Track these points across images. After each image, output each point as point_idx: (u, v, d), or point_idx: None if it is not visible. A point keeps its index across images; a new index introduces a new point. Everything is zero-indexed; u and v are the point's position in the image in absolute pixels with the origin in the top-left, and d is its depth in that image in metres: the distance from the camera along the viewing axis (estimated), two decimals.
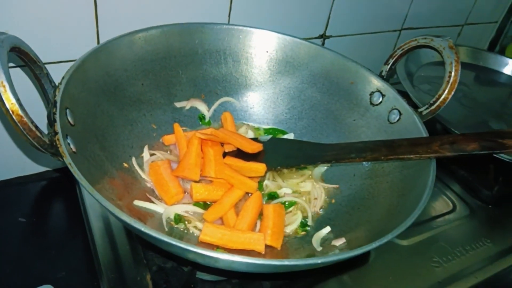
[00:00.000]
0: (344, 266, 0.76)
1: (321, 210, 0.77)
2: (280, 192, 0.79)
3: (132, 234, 0.73)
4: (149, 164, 0.76)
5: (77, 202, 0.84)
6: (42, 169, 0.94)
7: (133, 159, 0.75)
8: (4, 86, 0.50)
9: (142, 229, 0.48)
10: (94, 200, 0.75)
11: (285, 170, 0.83)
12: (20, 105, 0.52)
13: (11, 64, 0.74)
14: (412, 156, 0.67)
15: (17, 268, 0.75)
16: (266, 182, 0.79)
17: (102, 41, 0.81)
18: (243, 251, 0.64)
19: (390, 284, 0.74)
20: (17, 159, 0.89)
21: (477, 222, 0.90)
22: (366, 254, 0.78)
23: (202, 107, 0.88)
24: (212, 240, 0.65)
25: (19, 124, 0.52)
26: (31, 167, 0.92)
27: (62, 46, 0.79)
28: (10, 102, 0.51)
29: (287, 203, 0.77)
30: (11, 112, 0.51)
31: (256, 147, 0.79)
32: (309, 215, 0.75)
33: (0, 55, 0.51)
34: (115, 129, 0.74)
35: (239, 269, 0.52)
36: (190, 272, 0.68)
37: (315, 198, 0.78)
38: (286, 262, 0.50)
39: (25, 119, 0.52)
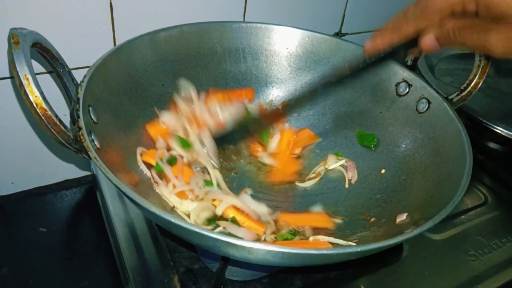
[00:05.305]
0: (376, 263, 0.73)
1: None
2: None
3: (157, 237, 0.71)
4: None
5: (98, 211, 0.83)
6: (60, 178, 0.94)
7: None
8: (27, 79, 0.49)
9: (172, 220, 0.47)
10: (119, 208, 0.76)
11: None
12: (44, 98, 0.50)
13: None
14: None
15: (40, 279, 0.75)
16: None
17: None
18: None
19: (426, 279, 0.71)
20: (36, 169, 0.89)
21: (511, 214, 0.87)
22: (399, 251, 0.75)
23: None
24: None
25: (43, 118, 0.50)
26: (50, 177, 0.92)
27: (78, 52, 0.78)
28: (34, 95, 0.49)
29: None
30: (35, 105, 0.50)
31: None
32: None
33: (23, 48, 0.50)
34: (138, 129, 0.73)
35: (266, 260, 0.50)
36: (219, 272, 0.66)
37: None
38: (324, 251, 0.49)
39: (49, 112, 0.51)
